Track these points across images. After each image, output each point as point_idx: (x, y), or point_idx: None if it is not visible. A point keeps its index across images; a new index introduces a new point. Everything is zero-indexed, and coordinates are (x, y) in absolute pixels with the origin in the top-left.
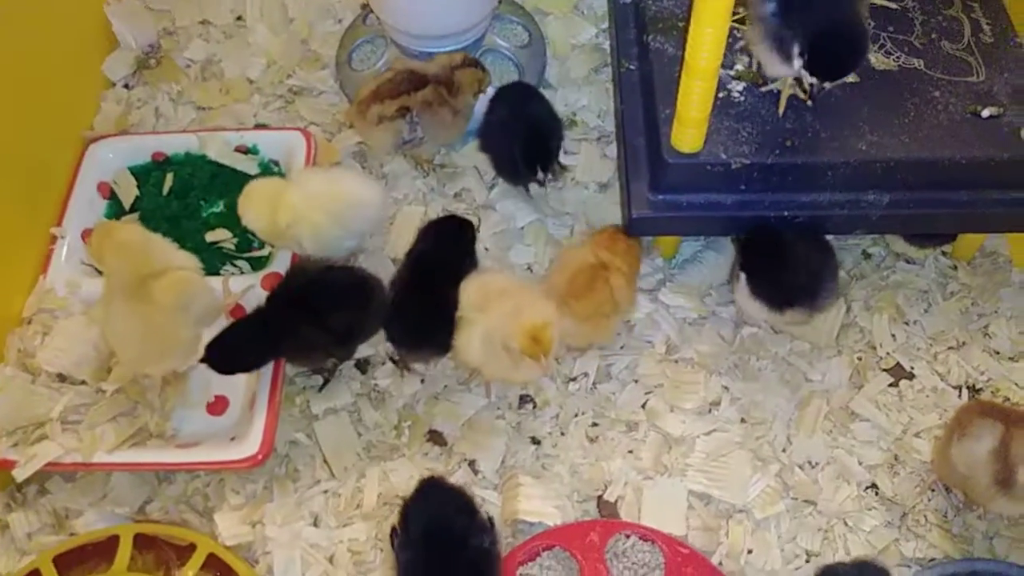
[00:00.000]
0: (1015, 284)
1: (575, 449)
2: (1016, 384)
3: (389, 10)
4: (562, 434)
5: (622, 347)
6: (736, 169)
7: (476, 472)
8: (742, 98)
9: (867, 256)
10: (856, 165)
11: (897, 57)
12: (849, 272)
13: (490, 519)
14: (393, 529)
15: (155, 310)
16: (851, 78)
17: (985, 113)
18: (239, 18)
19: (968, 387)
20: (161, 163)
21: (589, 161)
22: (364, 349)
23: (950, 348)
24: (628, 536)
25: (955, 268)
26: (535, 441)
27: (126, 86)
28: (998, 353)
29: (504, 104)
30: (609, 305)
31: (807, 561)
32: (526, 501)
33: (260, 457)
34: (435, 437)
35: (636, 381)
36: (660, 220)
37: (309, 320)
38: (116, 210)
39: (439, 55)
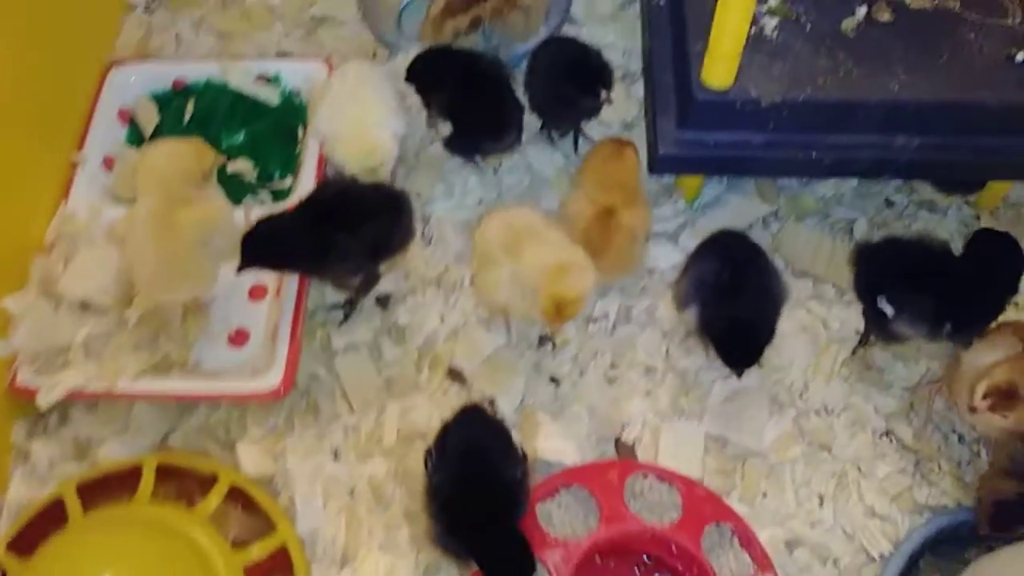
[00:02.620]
0: None
1: (593, 390)
2: None
3: None
4: (581, 375)
5: (642, 289)
6: (766, 107)
7: (496, 408)
8: (775, 34)
9: (889, 204)
10: (887, 106)
11: None
12: (871, 220)
13: (523, 452)
14: (428, 451)
15: (178, 239)
16: (886, 16)
17: (1020, 58)
18: None
19: None
20: (181, 91)
21: (618, 101)
22: (385, 284)
23: None
24: (645, 476)
25: (977, 218)
26: (554, 381)
27: (147, 9)
28: (1016, 304)
29: (546, 52)
30: (629, 244)
31: (820, 505)
32: (545, 440)
33: (282, 390)
34: (454, 375)
35: (654, 324)
36: (687, 158)
37: (341, 227)
38: (136, 137)
39: None
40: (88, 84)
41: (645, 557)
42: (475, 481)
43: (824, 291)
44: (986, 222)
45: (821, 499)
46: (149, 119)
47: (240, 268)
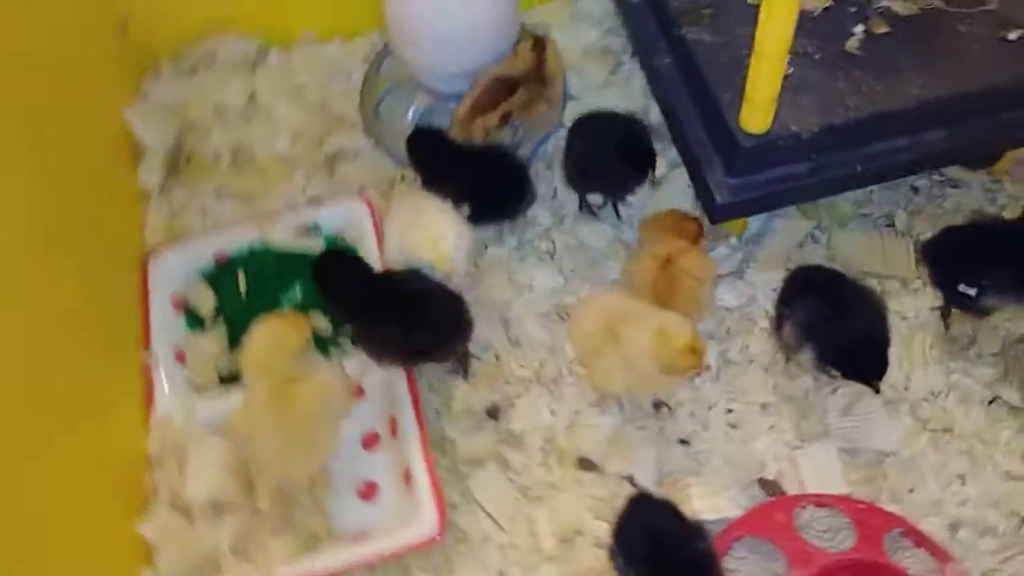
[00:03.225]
0: None
1: (721, 439)
2: None
3: (420, 56)
4: (705, 428)
5: (728, 331)
6: (807, 138)
7: (635, 486)
8: (791, 69)
9: (915, 190)
10: (912, 109)
11: (916, 0)
12: (906, 209)
13: (699, 522)
14: (611, 550)
15: (301, 416)
16: (883, 28)
17: (1012, 36)
18: (251, 97)
19: None
20: (226, 264)
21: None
22: (489, 395)
23: None
24: (804, 507)
25: (998, 182)
26: (683, 442)
27: (162, 191)
28: None
29: (584, 128)
30: (694, 288)
31: (963, 484)
32: (700, 500)
33: (439, 535)
34: (585, 464)
35: (752, 360)
36: (743, 202)
37: (395, 322)
38: (196, 322)
39: (518, 50)
40: (129, 281)
41: None
42: (674, 564)
43: (889, 286)
44: (1008, 184)
45: (961, 478)
46: (205, 302)
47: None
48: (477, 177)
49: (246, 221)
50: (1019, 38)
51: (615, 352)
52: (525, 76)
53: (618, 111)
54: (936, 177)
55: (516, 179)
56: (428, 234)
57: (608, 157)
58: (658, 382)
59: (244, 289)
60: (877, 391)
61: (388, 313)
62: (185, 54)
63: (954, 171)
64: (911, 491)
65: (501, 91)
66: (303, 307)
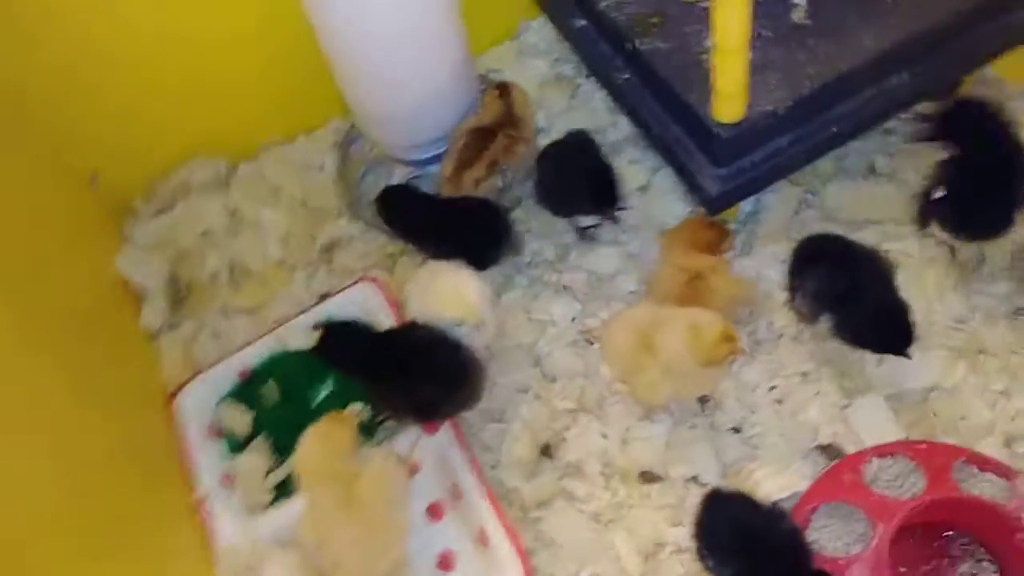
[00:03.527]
0: (1012, 93)
1: (772, 417)
2: None
3: (390, 133)
4: (753, 412)
5: (750, 313)
6: (783, 113)
7: (703, 484)
8: (751, 53)
9: (889, 132)
10: (872, 60)
11: None
12: (884, 153)
13: (776, 504)
14: (700, 553)
15: (369, 512)
16: None
17: None
18: (233, 213)
19: None
20: (251, 378)
21: (619, 172)
22: (541, 435)
23: None
24: (868, 462)
25: None
26: (735, 430)
27: (171, 327)
28: None
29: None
30: (728, 300)
31: (1008, 399)
32: (767, 482)
33: None
34: (648, 476)
35: (781, 335)
36: (736, 188)
37: (401, 377)
38: (236, 444)
39: (486, 99)
40: (159, 422)
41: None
42: (766, 550)
43: (889, 230)
44: None
45: (1005, 394)
46: (240, 423)
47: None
48: (453, 228)
49: (260, 333)
50: None
51: (654, 363)
52: (499, 123)
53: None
54: (905, 116)
55: (492, 224)
56: (449, 292)
57: (574, 183)
58: (701, 379)
59: (275, 398)
60: (909, 356)
61: (390, 371)
62: (158, 190)
63: (921, 106)
64: (962, 419)
65: (480, 141)
66: (338, 399)
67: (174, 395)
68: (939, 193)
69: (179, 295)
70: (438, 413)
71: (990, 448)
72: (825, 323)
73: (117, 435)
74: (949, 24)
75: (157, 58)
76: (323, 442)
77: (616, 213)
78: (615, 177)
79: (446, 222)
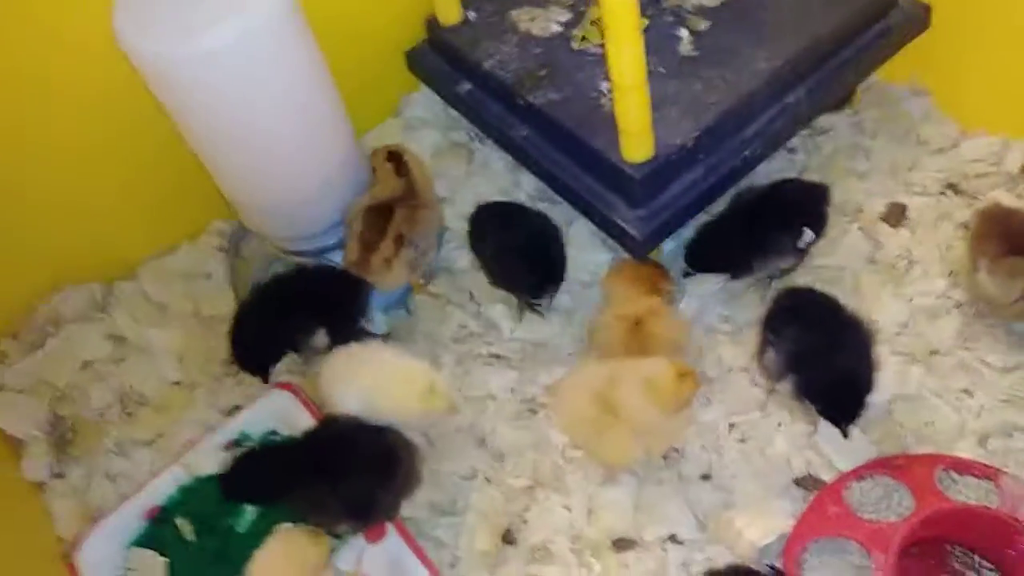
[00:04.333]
0: (901, 95)
1: (739, 458)
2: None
3: (281, 228)
4: (719, 455)
5: (700, 349)
6: (691, 145)
7: (684, 542)
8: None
9: (792, 151)
10: (768, 81)
11: None
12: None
13: (771, 567)
14: None
15: None
16: (703, 25)
17: None
18: (115, 338)
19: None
20: (160, 515)
21: None
22: (502, 522)
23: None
24: (848, 487)
25: (858, 114)
26: (706, 477)
27: (58, 476)
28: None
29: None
30: (671, 351)
31: (971, 397)
32: (750, 530)
33: None
34: (621, 544)
35: (730, 369)
36: (659, 227)
37: (321, 479)
38: None
39: (378, 172)
40: None
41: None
42: None
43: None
44: (869, 110)
45: (967, 391)
46: (155, 570)
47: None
48: (319, 304)
49: (164, 464)
50: None
51: (618, 423)
52: (396, 196)
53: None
54: (804, 133)
55: (353, 289)
56: (414, 383)
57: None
58: (670, 430)
59: (191, 536)
60: (845, 435)
61: (310, 477)
62: (26, 328)
63: (817, 121)
64: (929, 424)
65: (380, 218)
66: (262, 526)
67: (73, 551)
68: (808, 238)
69: (64, 438)
70: (375, 508)
71: (966, 450)
72: (787, 384)
73: None
74: (833, 35)
75: (6, 179)
76: (290, 556)
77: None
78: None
79: (310, 303)
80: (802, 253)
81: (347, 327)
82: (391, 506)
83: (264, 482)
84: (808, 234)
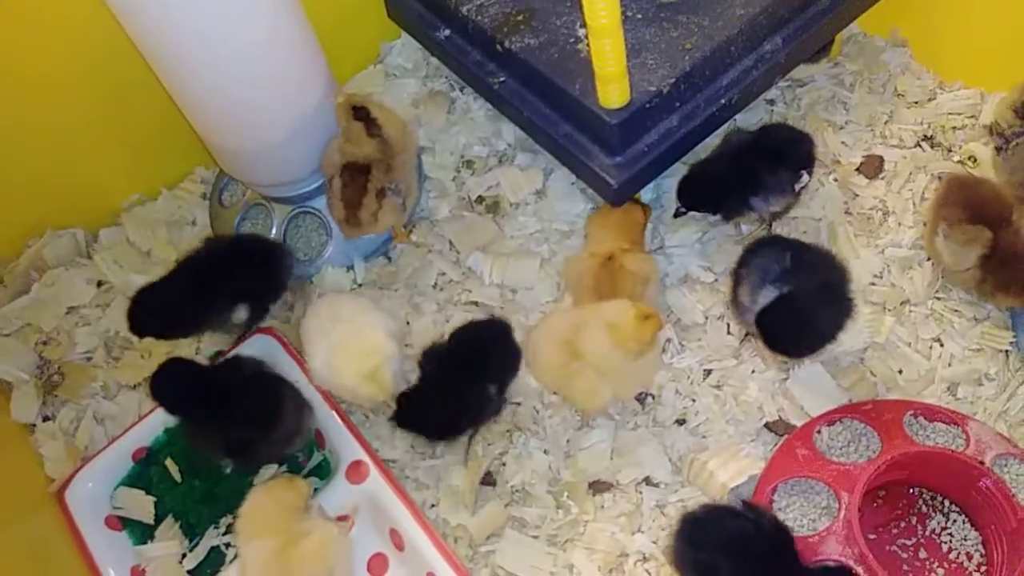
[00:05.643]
0: (881, 47)
1: (713, 404)
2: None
3: (262, 175)
4: (694, 400)
5: (671, 303)
6: (668, 92)
7: (659, 484)
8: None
9: (772, 103)
10: (745, 28)
11: None
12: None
13: (744, 502)
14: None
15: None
16: None
17: None
18: (100, 284)
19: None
20: (147, 457)
21: (512, 181)
22: (480, 463)
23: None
24: (819, 431)
25: (838, 64)
26: (680, 422)
27: (47, 418)
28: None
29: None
30: (639, 284)
31: (942, 345)
32: (723, 471)
33: None
34: (598, 486)
35: (706, 318)
36: (636, 174)
37: (211, 412)
38: (142, 533)
39: (345, 130)
40: (51, 521)
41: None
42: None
43: None
44: (848, 61)
45: (937, 340)
46: (143, 508)
47: None
48: (242, 279)
49: (151, 407)
50: None
51: (585, 367)
52: (370, 153)
53: None
54: (783, 84)
55: (267, 257)
56: (364, 362)
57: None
58: (638, 374)
59: (178, 476)
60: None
61: (207, 408)
62: (9, 273)
63: (796, 72)
64: (900, 372)
65: (359, 174)
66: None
67: (63, 490)
68: (804, 180)
69: (51, 382)
70: (252, 453)
71: (934, 397)
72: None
73: (4, 542)
74: None
75: None
76: (273, 498)
77: None
78: None
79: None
80: (795, 196)
81: (267, 302)
82: (271, 455)
83: (175, 392)
84: (805, 177)
